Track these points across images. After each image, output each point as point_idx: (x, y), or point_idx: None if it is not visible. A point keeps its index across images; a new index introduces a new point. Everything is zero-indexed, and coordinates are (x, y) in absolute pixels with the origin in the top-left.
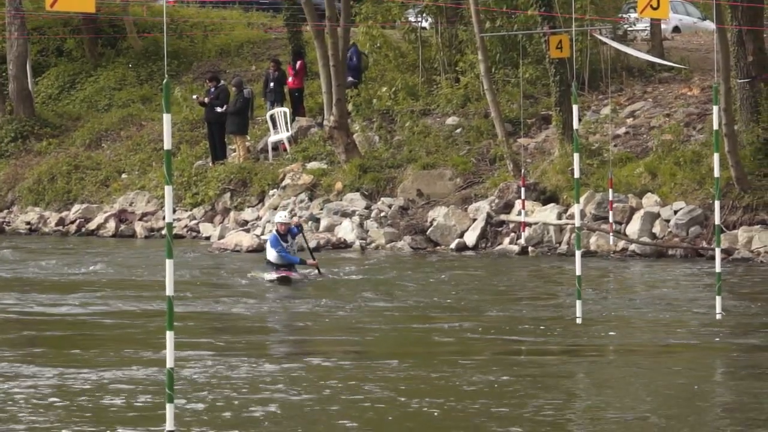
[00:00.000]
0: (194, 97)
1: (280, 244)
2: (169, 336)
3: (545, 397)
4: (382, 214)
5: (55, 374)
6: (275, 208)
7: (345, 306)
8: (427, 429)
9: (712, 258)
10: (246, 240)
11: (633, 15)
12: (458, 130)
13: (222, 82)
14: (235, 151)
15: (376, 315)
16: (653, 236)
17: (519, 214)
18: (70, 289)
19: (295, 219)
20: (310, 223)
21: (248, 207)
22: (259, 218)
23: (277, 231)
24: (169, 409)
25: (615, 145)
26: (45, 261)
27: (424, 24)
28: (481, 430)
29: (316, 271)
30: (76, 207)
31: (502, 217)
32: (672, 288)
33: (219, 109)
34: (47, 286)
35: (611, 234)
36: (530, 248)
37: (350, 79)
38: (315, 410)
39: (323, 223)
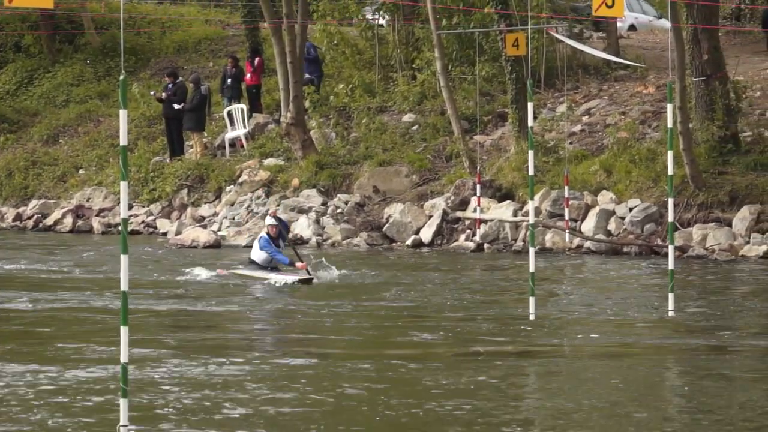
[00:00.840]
0: (152, 93)
1: (272, 246)
2: (124, 331)
3: (496, 396)
4: (339, 211)
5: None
6: (232, 204)
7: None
8: (389, 428)
9: (667, 255)
10: (203, 236)
11: (588, 12)
12: (414, 127)
13: (180, 78)
14: (192, 148)
15: (342, 316)
16: (608, 233)
17: (475, 211)
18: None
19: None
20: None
21: (205, 203)
22: (216, 214)
23: (267, 233)
24: (123, 404)
25: (570, 143)
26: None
27: (381, 21)
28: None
29: (306, 274)
30: (34, 202)
31: (458, 213)
32: (626, 285)
33: (176, 106)
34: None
35: (567, 231)
36: (486, 245)
37: (307, 75)
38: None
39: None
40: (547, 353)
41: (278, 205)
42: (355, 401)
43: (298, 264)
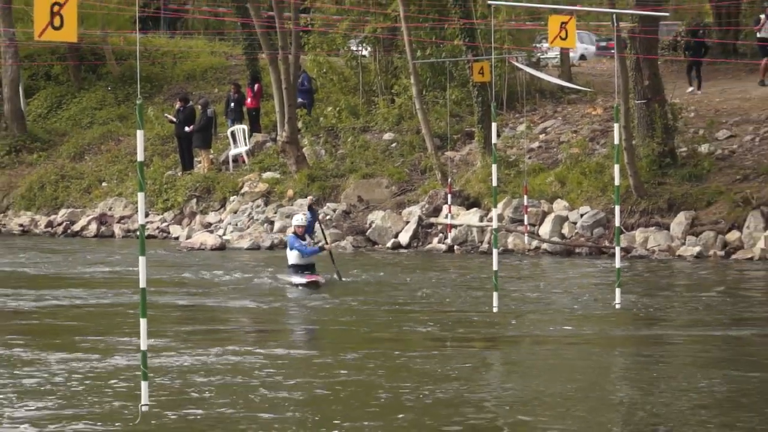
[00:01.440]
0: (165, 115)
1: (299, 241)
2: (143, 323)
3: (461, 381)
4: (328, 217)
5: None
6: (235, 212)
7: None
8: (384, 410)
9: (613, 255)
10: (210, 239)
11: (545, 44)
12: (393, 145)
13: (189, 102)
14: (200, 163)
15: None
16: (562, 236)
17: (446, 217)
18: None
19: (310, 198)
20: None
21: (212, 211)
22: (221, 221)
23: (294, 233)
24: (144, 387)
25: (529, 158)
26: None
27: (364, 52)
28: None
29: (336, 274)
30: (63, 211)
31: (432, 219)
32: (578, 282)
33: (187, 129)
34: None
35: (526, 234)
36: (456, 247)
37: (300, 100)
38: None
39: (276, 225)
40: (510, 342)
41: (312, 197)
42: (354, 386)
43: (326, 245)
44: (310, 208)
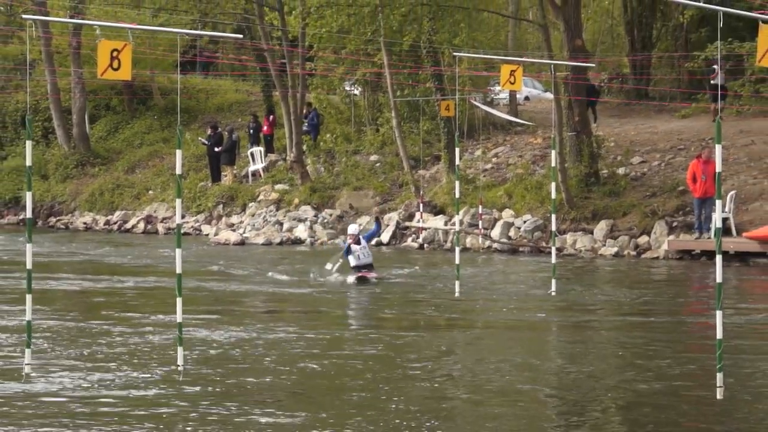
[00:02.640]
0: (199, 139)
1: (347, 251)
2: (179, 302)
3: (438, 358)
4: (326, 220)
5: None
6: (253, 215)
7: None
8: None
9: (549, 254)
10: (233, 237)
11: (497, 88)
12: (378, 164)
13: (218, 129)
14: (226, 176)
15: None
16: (509, 238)
17: (418, 221)
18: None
19: (376, 209)
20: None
21: (234, 214)
22: (241, 222)
23: (348, 242)
24: (180, 351)
25: (484, 176)
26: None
27: (356, 91)
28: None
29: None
30: (118, 213)
31: (407, 223)
32: (522, 274)
33: (217, 149)
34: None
35: (481, 236)
36: (425, 245)
37: (307, 130)
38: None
39: (285, 226)
40: (468, 326)
41: (378, 209)
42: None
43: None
44: (376, 219)
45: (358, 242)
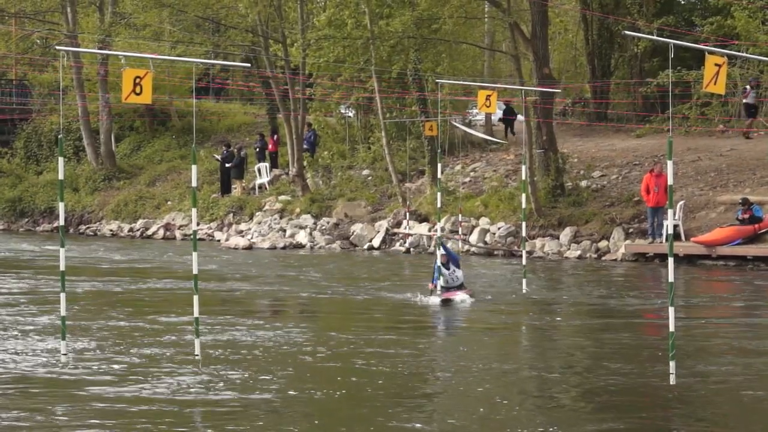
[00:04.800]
0: (213, 156)
1: (437, 272)
2: (196, 298)
3: (401, 355)
4: (324, 227)
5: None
6: (259, 223)
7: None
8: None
9: (520, 256)
10: (242, 242)
11: (475, 110)
12: (369, 178)
13: (230, 147)
14: (236, 189)
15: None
16: (485, 242)
17: (405, 228)
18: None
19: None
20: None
21: (243, 222)
22: (249, 229)
23: (441, 262)
24: (197, 343)
25: (463, 188)
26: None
27: (350, 114)
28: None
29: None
30: (140, 221)
31: (395, 230)
32: (496, 274)
33: (228, 165)
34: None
35: (460, 241)
36: (411, 249)
37: (306, 148)
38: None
39: (288, 232)
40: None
41: (443, 232)
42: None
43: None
44: (442, 244)
45: (447, 266)
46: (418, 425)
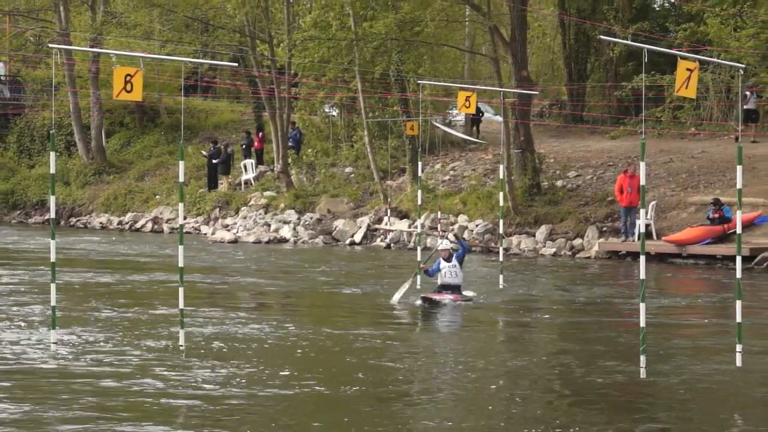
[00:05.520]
0: (201, 152)
1: (437, 266)
2: (181, 290)
3: (397, 349)
4: (307, 223)
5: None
6: (245, 218)
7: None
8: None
9: (498, 252)
10: (227, 236)
11: (455, 111)
12: (352, 175)
13: (217, 144)
14: (222, 184)
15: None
16: (464, 239)
17: (386, 224)
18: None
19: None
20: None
21: (229, 217)
22: (235, 223)
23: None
24: (182, 333)
25: (442, 186)
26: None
27: (334, 113)
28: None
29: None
30: (129, 214)
31: (376, 226)
32: (474, 269)
33: (215, 161)
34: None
35: (439, 237)
36: (392, 245)
37: (291, 145)
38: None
39: (272, 227)
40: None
41: (451, 229)
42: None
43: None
44: (456, 237)
45: (449, 259)
46: (387, 422)
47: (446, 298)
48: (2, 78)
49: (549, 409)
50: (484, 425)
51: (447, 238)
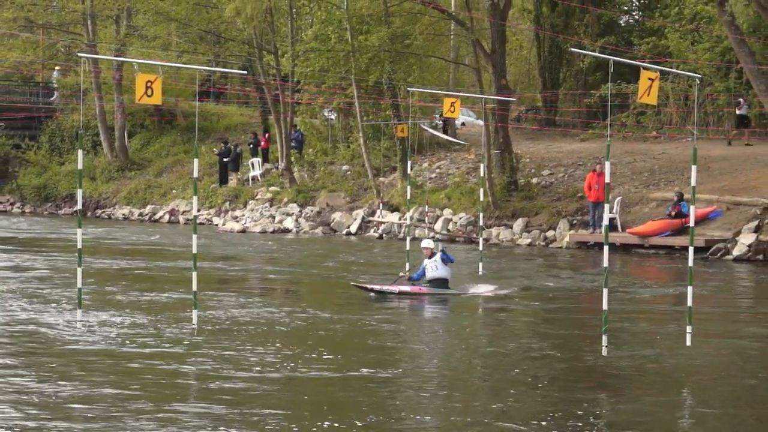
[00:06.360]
0: (213, 150)
1: (423, 270)
2: (194, 275)
3: (393, 331)
4: (308, 215)
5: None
6: (252, 210)
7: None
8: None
9: (479, 242)
10: (237, 226)
11: (437, 115)
12: (348, 172)
13: (228, 143)
14: (232, 180)
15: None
16: (449, 230)
17: (379, 217)
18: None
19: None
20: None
21: (238, 209)
22: (243, 215)
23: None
24: (194, 313)
25: (429, 183)
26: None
27: (332, 116)
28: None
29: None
30: (149, 207)
31: (370, 218)
32: (460, 257)
33: (225, 159)
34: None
35: (426, 228)
36: (384, 235)
37: (294, 146)
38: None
39: (277, 218)
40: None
41: (432, 237)
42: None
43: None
44: (442, 251)
45: (431, 256)
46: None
47: (425, 291)
48: (54, 85)
49: (515, 389)
50: (466, 406)
51: (434, 251)
